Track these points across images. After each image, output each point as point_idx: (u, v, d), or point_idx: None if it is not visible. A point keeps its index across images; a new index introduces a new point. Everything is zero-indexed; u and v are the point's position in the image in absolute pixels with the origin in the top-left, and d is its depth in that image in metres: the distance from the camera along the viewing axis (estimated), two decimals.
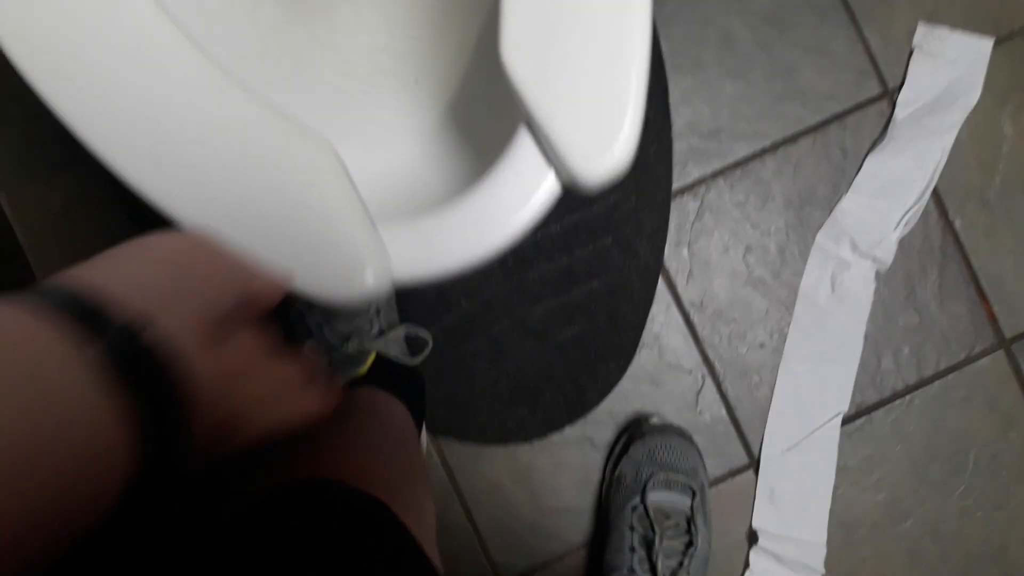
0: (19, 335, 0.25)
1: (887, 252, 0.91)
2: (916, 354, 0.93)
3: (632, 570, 0.80)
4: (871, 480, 0.93)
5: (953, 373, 0.93)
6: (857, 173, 0.92)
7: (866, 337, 0.92)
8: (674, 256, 0.91)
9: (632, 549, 0.81)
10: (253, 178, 0.42)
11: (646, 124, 0.87)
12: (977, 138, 0.93)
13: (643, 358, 0.91)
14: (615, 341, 0.90)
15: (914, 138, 0.91)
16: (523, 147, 0.46)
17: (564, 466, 0.91)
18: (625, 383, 0.91)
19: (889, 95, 0.92)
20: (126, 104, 0.42)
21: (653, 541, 0.80)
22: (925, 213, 0.92)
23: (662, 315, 0.91)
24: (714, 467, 0.91)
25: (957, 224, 0.93)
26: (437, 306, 0.88)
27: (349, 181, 0.43)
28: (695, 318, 0.92)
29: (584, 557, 0.91)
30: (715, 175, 0.91)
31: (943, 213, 0.93)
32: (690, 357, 0.92)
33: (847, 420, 0.92)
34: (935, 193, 0.92)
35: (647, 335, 0.91)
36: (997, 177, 0.93)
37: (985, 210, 0.93)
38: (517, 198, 0.46)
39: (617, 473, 0.87)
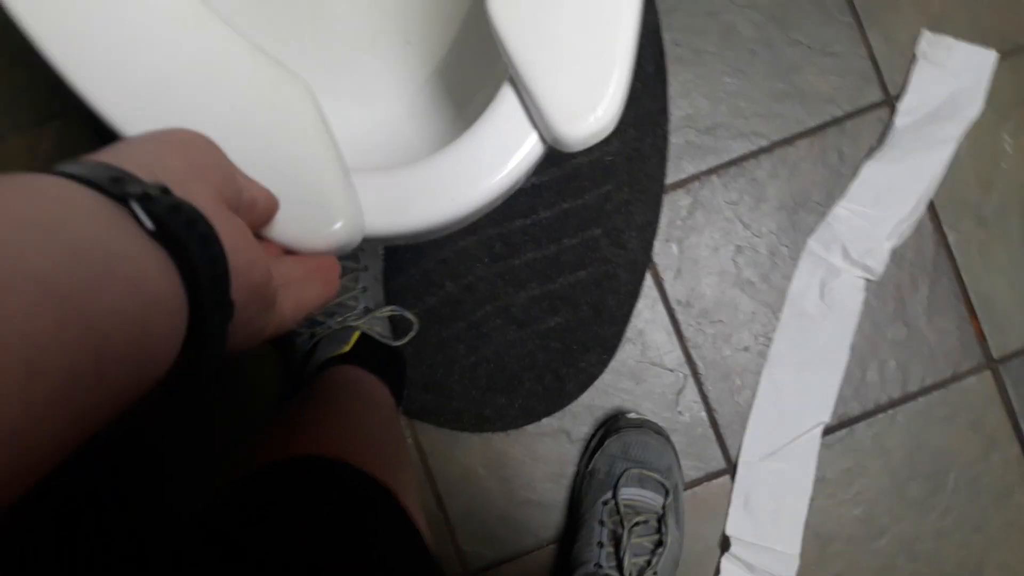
0: (51, 193, 0.24)
1: (879, 262, 0.90)
2: (902, 368, 0.92)
3: (599, 565, 0.78)
4: (849, 493, 0.91)
5: (938, 390, 0.92)
6: (853, 179, 0.91)
7: (852, 347, 0.91)
8: (663, 251, 0.90)
9: (600, 544, 0.79)
10: (225, 113, 0.41)
11: (643, 115, 0.86)
12: (976, 152, 0.91)
13: (626, 353, 0.89)
14: (599, 334, 0.88)
15: (913, 147, 0.90)
16: (505, 106, 0.45)
17: (539, 458, 0.89)
18: (606, 377, 0.89)
19: (890, 102, 0.91)
20: (100, 29, 0.41)
21: (622, 537, 0.78)
22: (919, 225, 0.91)
23: (648, 311, 0.90)
24: (690, 469, 0.90)
25: (951, 238, 0.92)
26: (420, 287, 0.87)
27: (325, 126, 0.42)
28: (680, 316, 0.90)
29: (553, 552, 0.89)
30: (709, 172, 0.90)
31: (938, 226, 0.92)
32: (673, 355, 0.90)
33: (828, 431, 0.91)
34: (931, 205, 0.91)
35: (631, 330, 0.89)
36: (994, 193, 0.92)
37: (980, 226, 0.92)
38: (496, 156, 0.45)
39: (591, 467, 0.85)
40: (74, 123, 0.84)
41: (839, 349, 0.91)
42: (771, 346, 0.91)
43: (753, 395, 0.90)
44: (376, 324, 0.79)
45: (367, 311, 0.78)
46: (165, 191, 0.27)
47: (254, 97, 0.41)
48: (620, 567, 0.77)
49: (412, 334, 0.78)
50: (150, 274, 0.25)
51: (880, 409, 0.91)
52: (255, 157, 0.40)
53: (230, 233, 0.29)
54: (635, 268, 0.88)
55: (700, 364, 0.90)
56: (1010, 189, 0.92)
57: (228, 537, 0.43)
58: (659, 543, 0.79)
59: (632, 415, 0.88)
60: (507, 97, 0.45)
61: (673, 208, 0.90)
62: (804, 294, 0.91)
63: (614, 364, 0.89)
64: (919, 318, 0.92)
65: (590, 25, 0.43)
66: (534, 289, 0.88)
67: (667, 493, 0.82)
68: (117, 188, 0.26)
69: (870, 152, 0.91)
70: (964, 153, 0.91)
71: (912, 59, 0.91)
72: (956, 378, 0.92)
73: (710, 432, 0.90)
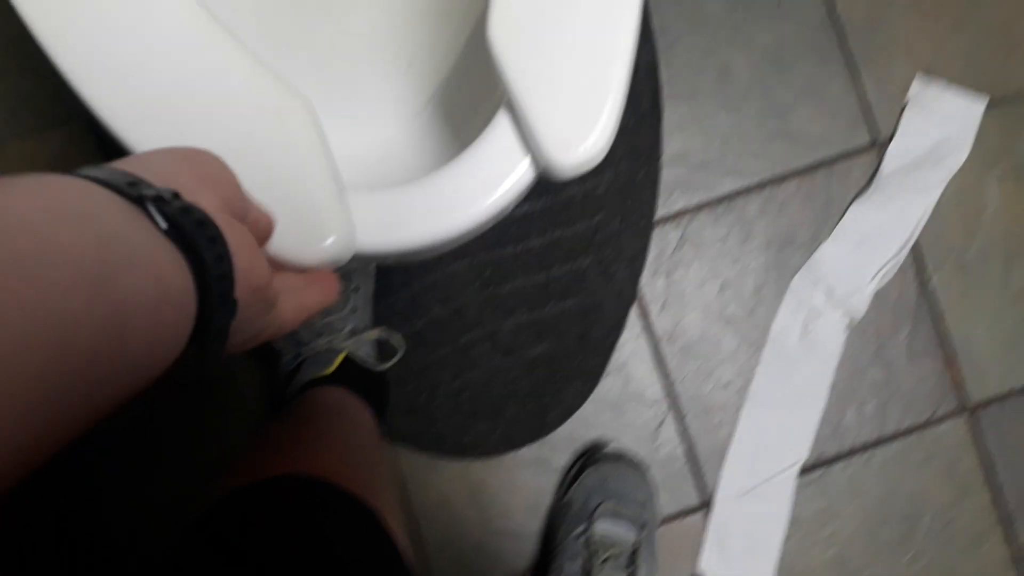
0: (72, 188, 0.26)
1: (861, 303, 0.91)
2: (880, 410, 0.92)
3: None
4: (823, 534, 0.91)
5: (915, 434, 0.92)
6: (840, 221, 0.91)
7: (832, 387, 0.92)
8: (650, 284, 0.90)
9: None
10: (225, 126, 0.42)
11: (637, 149, 0.86)
12: (961, 199, 0.93)
13: (608, 384, 0.89)
14: (582, 364, 0.88)
15: (899, 192, 0.91)
16: (500, 131, 0.46)
17: (517, 487, 0.88)
18: (587, 408, 0.89)
19: (878, 146, 0.92)
20: (109, 41, 0.42)
21: (592, 570, 0.78)
22: (902, 268, 0.92)
23: (632, 343, 0.90)
24: (666, 504, 0.89)
25: (933, 283, 0.93)
26: (409, 309, 0.86)
27: (322, 142, 0.42)
28: (664, 350, 0.90)
29: None
30: (699, 207, 0.90)
31: (920, 271, 0.93)
32: (655, 389, 0.90)
33: (805, 470, 0.91)
34: (914, 249, 0.92)
35: (614, 362, 0.89)
36: (977, 241, 0.93)
37: (962, 273, 0.93)
38: (489, 179, 0.46)
39: (567, 498, 0.84)
40: (76, 132, 0.83)
41: (819, 389, 0.92)
42: (752, 383, 0.91)
43: (732, 432, 0.90)
44: (362, 346, 0.79)
45: (354, 333, 0.78)
46: (176, 196, 0.29)
47: (254, 111, 0.42)
48: None
49: (397, 359, 0.78)
50: (165, 268, 0.26)
51: (856, 450, 0.92)
52: (252, 171, 0.40)
53: (235, 237, 0.31)
54: (621, 299, 0.88)
55: (681, 399, 0.90)
56: (993, 237, 0.93)
57: (213, 555, 0.43)
58: None
59: (611, 447, 0.88)
60: (502, 122, 0.45)
61: (662, 241, 0.90)
62: (786, 333, 0.91)
63: (596, 395, 0.89)
64: (899, 361, 0.92)
65: (586, 57, 0.44)
66: (521, 316, 0.87)
67: (642, 528, 0.81)
68: (133, 191, 0.27)
69: (857, 195, 0.92)
70: (949, 199, 0.92)
71: (902, 104, 0.92)
72: (933, 422, 0.93)
73: (687, 468, 0.90)
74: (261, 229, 0.37)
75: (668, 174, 0.90)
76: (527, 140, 0.44)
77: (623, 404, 0.90)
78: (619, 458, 0.85)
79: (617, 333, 0.89)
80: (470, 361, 0.87)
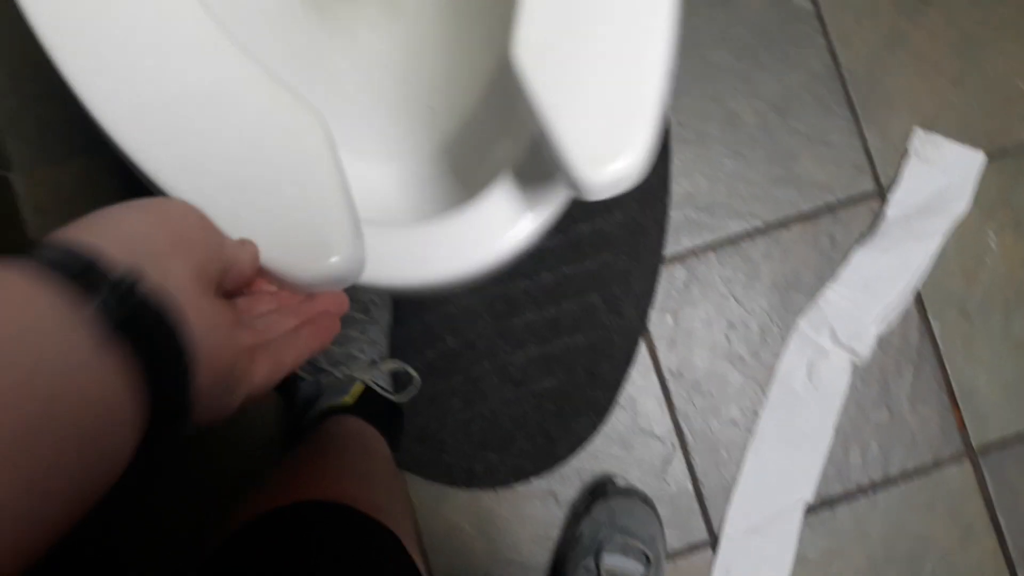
0: (13, 299, 0.25)
1: (865, 346, 0.92)
2: (884, 452, 0.93)
3: None
4: (827, 574, 0.92)
5: (919, 477, 0.93)
6: (843, 265, 0.94)
7: (837, 428, 0.93)
8: (658, 322, 0.92)
9: None
10: (235, 137, 0.41)
11: (645, 190, 0.89)
12: (962, 248, 0.95)
13: (616, 419, 0.91)
14: (591, 398, 0.90)
15: (901, 238, 0.93)
16: (521, 170, 0.46)
17: (526, 518, 0.89)
18: (596, 442, 0.90)
19: (882, 193, 0.95)
20: (117, 48, 0.42)
21: None
22: (906, 313, 0.94)
23: (640, 379, 0.91)
24: (673, 539, 0.90)
25: (936, 328, 0.95)
26: (422, 339, 0.88)
27: (335, 159, 0.42)
28: (672, 386, 0.92)
29: None
30: (706, 248, 0.93)
31: (923, 316, 0.95)
32: (663, 424, 0.92)
33: (810, 510, 0.92)
34: (917, 295, 0.94)
35: (623, 397, 0.91)
36: (978, 288, 0.95)
37: (964, 319, 0.95)
38: (513, 217, 0.46)
39: (576, 531, 0.85)
40: (99, 159, 0.86)
41: (824, 429, 0.93)
42: (758, 422, 0.92)
43: (738, 469, 0.92)
44: (379, 377, 0.80)
45: (372, 364, 0.80)
46: (135, 283, 0.28)
47: (266, 123, 0.42)
48: None
49: (413, 392, 0.80)
50: (107, 387, 0.26)
51: (861, 491, 0.93)
52: (260, 183, 0.40)
53: (201, 318, 0.30)
54: (630, 336, 0.90)
55: (689, 435, 0.92)
56: (993, 285, 0.95)
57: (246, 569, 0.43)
58: None
59: (620, 482, 0.89)
60: (524, 161, 0.46)
61: (670, 280, 0.92)
62: (792, 373, 0.93)
63: (605, 429, 0.90)
64: (902, 404, 0.94)
65: (617, 71, 0.42)
66: (532, 349, 0.89)
67: (649, 563, 0.82)
68: (85, 281, 0.26)
69: (861, 240, 0.94)
70: (951, 247, 0.95)
71: (904, 154, 0.95)
72: (936, 466, 0.94)
73: (695, 504, 0.91)
74: (242, 269, 0.36)
75: (676, 215, 0.93)
76: (557, 160, 0.42)
77: (632, 439, 0.91)
78: (628, 493, 0.86)
79: (626, 368, 0.90)
80: (480, 392, 0.89)
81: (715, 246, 0.93)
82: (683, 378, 0.92)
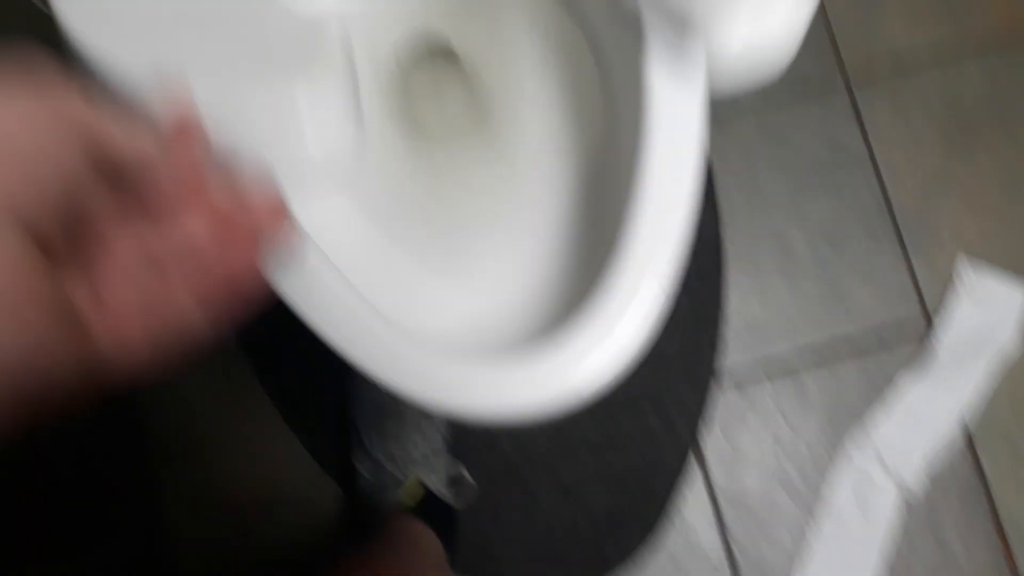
0: None
1: (914, 476, 0.93)
2: None
3: None
4: None
5: None
6: (892, 394, 0.96)
7: (884, 558, 0.93)
8: (711, 441, 0.94)
9: None
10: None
11: (701, 311, 0.93)
12: (1012, 384, 0.96)
13: (667, 536, 0.92)
14: (643, 514, 0.91)
15: (949, 369, 0.95)
16: (610, 298, 0.51)
17: None
18: (647, 558, 0.91)
19: (930, 324, 0.98)
20: None
21: None
22: (954, 445, 0.95)
23: (692, 497, 0.93)
24: None
25: (984, 462, 0.95)
26: (481, 445, 0.91)
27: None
28: (723, 506, 0.93)
29: None
30: (759, 371, 0.96)
31: (972, 450, 0.95)
32: (713, 544, 0.92)
33: None
34: (966, 430, 0.95)
35: (675, 514, 0.92)
36: None
37: (1014, 457, 0.95)
38: (591, 360, 0.51)
39: None
40: None
41: (871, 559, 0.93)
42: (807, 548, 0.93)
43: None
44: (435, 477, 0.83)
45: (432, 467, 0.82)
46: None
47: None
48: None
49: (470, 497, 0.82)
50: None
51: None
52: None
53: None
54: (683, 454, 0.92)
55: (738, 556, 0.92)
56: None
57: None
58: None
59: None
60: (611, 290, 0.51)
61: (723, 401, 0.94)
62: (841, 501, 0.94)
63: (657, 546, 0.91)
64: (951, 537, 0.94)
65: None
66: (587, 464, 0.91)
67: None
68: None
69: (910, 369, 0.96)
70: (1001, 382, 0.96)
71: (952, 286, 0.98)
72: None
73: None
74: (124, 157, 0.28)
75: (730, 337, 0.96)
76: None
77: (681, 557, 0.92)
78: None
79: (678, 487, 0.92)
80: (535, 503, 0.90)
81: (768, 369, 0.96)
82: (734, 499, 0.93)
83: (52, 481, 0.80)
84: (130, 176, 0.28)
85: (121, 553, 0.84)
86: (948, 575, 0.93)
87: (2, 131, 0.24)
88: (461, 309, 0.69)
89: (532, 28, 0.74)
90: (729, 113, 1.00)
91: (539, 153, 0.75)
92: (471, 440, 0.91)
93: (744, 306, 0.97)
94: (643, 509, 0.91)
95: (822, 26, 1.03)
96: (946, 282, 0.98)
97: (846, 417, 0.95)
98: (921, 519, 0.94)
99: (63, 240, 0.27)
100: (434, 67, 0.78)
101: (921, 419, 0.95)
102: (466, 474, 0.83)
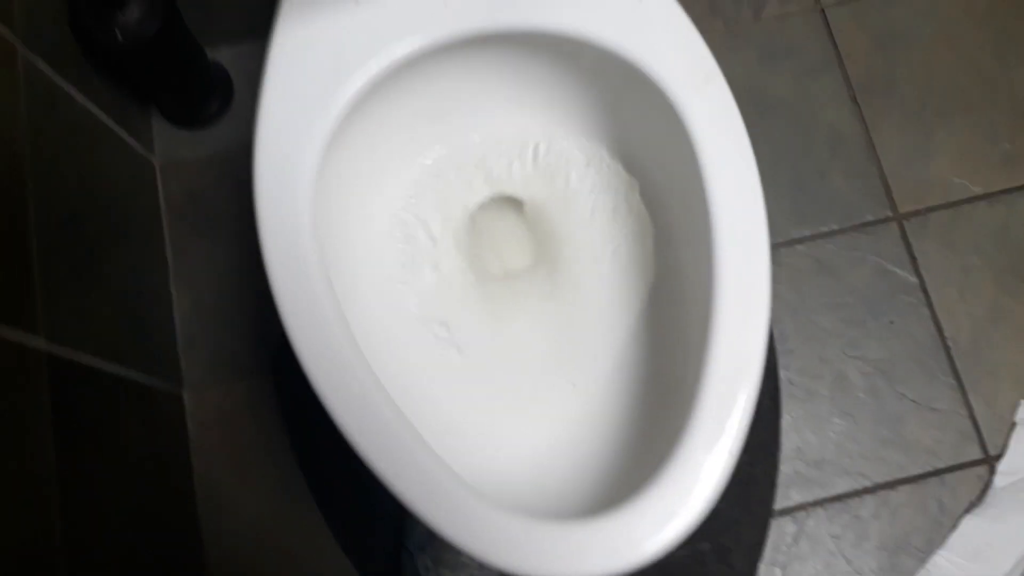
0: None
1: None
2: None
3: None
4: None
5: None
6: (952, 531, 0.95)
7: None
8: (767, 574, 0.93)
9: None
10: None
11: (757, 443, 0.94)
12: None
13: None
14: None
15: (1012, 509, 0.95)
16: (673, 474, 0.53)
17: None
18: None
19: (989, 461, 0.97)
20: None
21: None
22: None
23: None
24: None
25: None
26: None
27: None
28: None
29: None
30: (815, 504, 0.96)
31: None
32: None
33: None
34: None
35: None
36: None
37: None
38: (654, 524, 0.54)
39: None
40: (259, 385, 0.96)
41: None
42: None
43: None
44: None
45: None
46: None
47: None
48: None
49: None
50: None
51: None
52: None
53: None
54: None
55: None
56: None
57: None
58: None
59: None
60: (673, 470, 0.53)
61: (779, 534, 0.94)
62: None
63: None
64: None
65: None
66: None
67: None
68: None
69: (970, 507, 0.96)
70: None
71: (1012, 424, 0.98)
72: None
73: None
74: None
75: (786, 469, 0.96)
76: None
77: None
78: None
79: None
80: None
81: (824, 503, 0.96)
82: None
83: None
84: None
85: None
86: None
87: None
88: (517, 451, 0.71)
89: (594, 190, 0.78)
90: (778, 243, 1.03)
91: (596, 300, 0.79)
92: None
93: (800, 437, 0.98)
94: None
95: (873, 162, 1.06)
96: (1006, 420, 0.98)
97: (905, 554, 0.95)
98: None
99: None
100: (499, 210, 0.82)
101: (983, 559, 0.93)
102: None
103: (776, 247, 1.02)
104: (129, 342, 0.82)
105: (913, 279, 1.02)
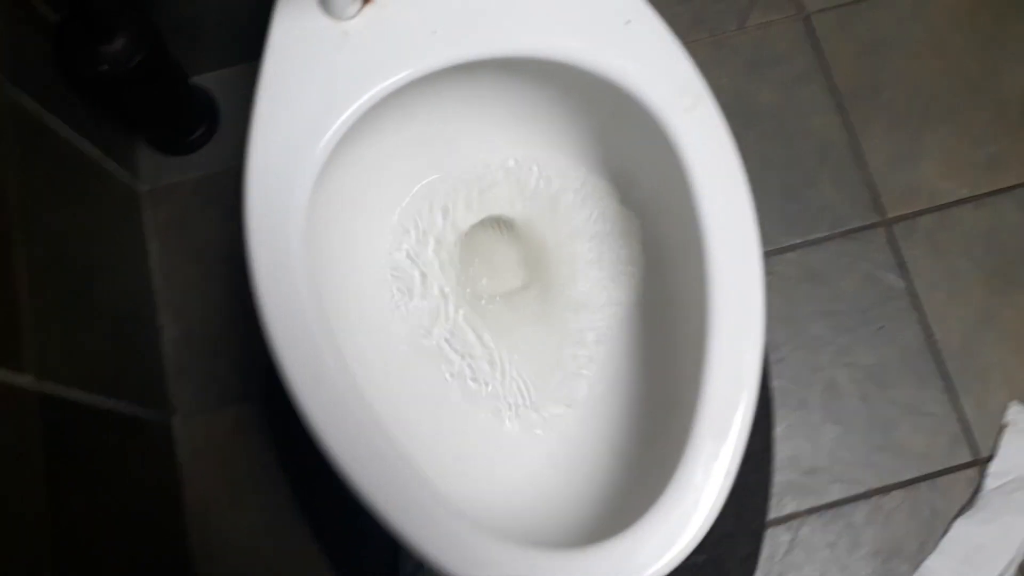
0: None
1: None
2: None
3: None
4: None
5: None
6: (944, 534, 0.96)
7: None
8: None
9: None
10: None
11: (749, 452, 0.94)
12: None
13: None
14: None
15: (1002, 511, 0.95)
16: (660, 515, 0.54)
17: None
18: None
19: (980, 464, 0.98)
20: None
21: None
22: None
23: None
24: None
25: None
26: None
27: None
28: None
29: None
30: (809, 512, 0.96)
31: None
32: None
33: None
34: (1021, 570, 0.95)
35: None
36: None
37: None
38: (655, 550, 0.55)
39: None
40: (249, 409, 0.95)
41: None
42: None
43: None
44: None
45: None
46: None
47: None
48: None
49: None
50: None
51: None
52: None
53: None
54: None
55: None
56: None
57: None
58: None
59: None
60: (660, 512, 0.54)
61: (774, 543, 0.95)
62: None
63: None
64: None
65: None
66: None
67: None
68: None
69: (961, 510, 0.97)
70: None
71: (1001, 426, 0.99)
72: None
73: None
74: None
75: (779, 478, 0.97)
76: None
77: None
78: None
79: None
80: None
81: (818, 510, 0.96)
82: None
83: None
84: None
85: None
86: None
87: None
88: (513, 474, 0.71)
89: (585, 210, 0.78)
90: (767, 251, 1.03)
91: (589, 319, 0.79)
92: None
93: (793, 445, 0.98)
94: None
95: (860, 168, 1.06)
96: (996, 422, 0.99)
97: (898, 559, 0.95)
98: None
99: None
100: (491, 232, 0.82)
101: (975, 562, 0.94)
102: None
103: (765, 255, 1.01)
104: (118, 373, 0.81)
105: (902, 284, 1.03)
